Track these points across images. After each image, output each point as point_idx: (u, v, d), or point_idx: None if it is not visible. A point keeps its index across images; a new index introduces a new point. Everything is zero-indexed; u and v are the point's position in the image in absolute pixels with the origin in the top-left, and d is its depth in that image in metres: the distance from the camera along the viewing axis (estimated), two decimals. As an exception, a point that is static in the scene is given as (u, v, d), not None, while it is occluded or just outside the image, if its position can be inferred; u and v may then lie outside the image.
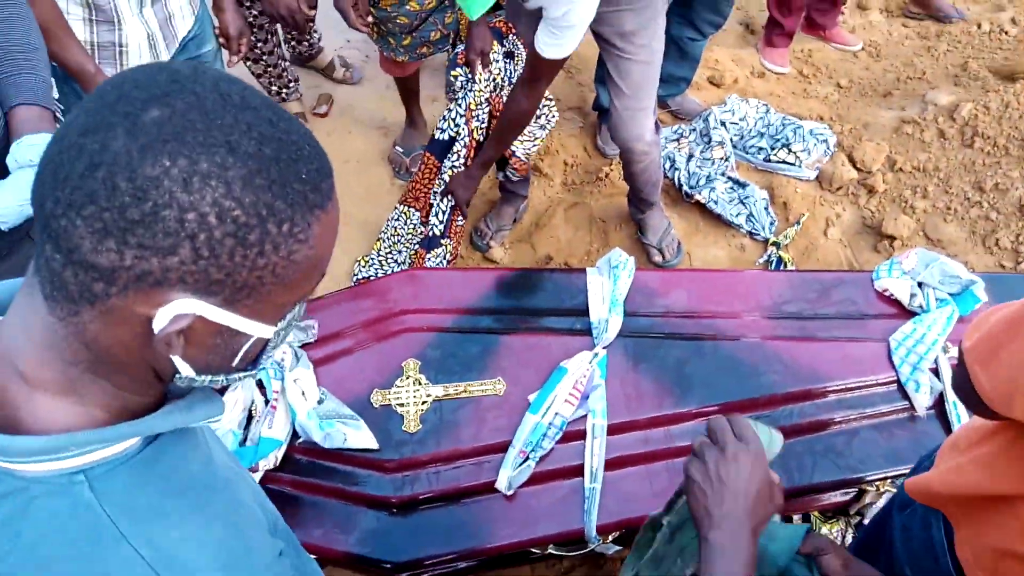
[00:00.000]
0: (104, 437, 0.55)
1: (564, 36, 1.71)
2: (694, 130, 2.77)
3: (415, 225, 2.33)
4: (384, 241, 2.44)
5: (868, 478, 1.41)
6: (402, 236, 2.38)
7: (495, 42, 2.04)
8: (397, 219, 2.39)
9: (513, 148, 2.16)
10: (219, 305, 0.53)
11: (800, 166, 2.66)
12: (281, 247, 0.52)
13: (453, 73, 2.13)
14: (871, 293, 1.62)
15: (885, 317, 1.58)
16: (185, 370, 0.57)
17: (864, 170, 2.67)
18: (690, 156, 2.67)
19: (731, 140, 2.73)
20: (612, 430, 1.40)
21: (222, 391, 1.41)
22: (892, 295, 1.60)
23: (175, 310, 0.51)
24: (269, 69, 2.68)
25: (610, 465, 1.37)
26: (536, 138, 2.16)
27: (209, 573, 0.55)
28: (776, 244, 2.47)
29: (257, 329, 0.56)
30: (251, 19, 2.48)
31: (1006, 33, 3.30)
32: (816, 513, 1.69)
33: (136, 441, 0.57)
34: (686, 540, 0.96)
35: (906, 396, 1.47)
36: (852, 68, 3.23)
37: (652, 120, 2.14)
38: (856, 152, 2.69)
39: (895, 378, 1.49)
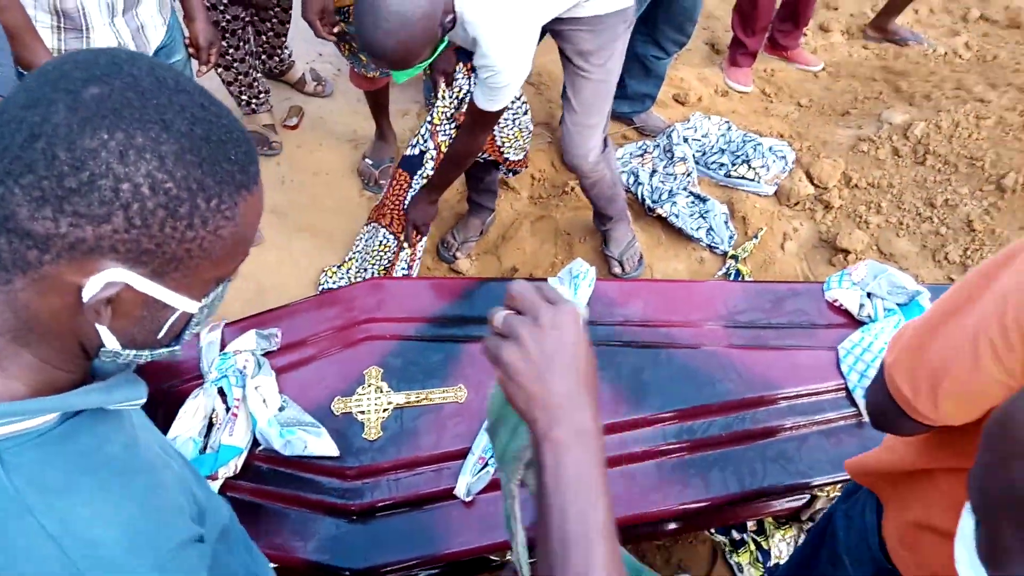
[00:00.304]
0: (17, 410, 0.56)
1: (496, 93, 1.76)
2: (658, 146, 2.83)
3: (382, 241, 2.33)
4: (356, 260, 2.44)
5: (816, 483, 1.45)
6: (372, 254, 2.39)
7: (459, 62, 2.07)
8: (370, 239, 2.39)
9: (506, 155, 2.19)
10: (148, 276, 0.55)
11: (759, 182, 2.73)
12: (209, 222, 0.55)
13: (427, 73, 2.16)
14: (822, 303, 1.67)
15: (835, 327, 1.63)
16: (110, 342, 0.58)
17: (821, 186, 2.75)
18: (653, 171, 2.73)
19: (693, 156, 2.79)
20: (570, 437, 1.43)
21: (178, 399, 1.42)
22: (842, 305, 1.65)
23: (105, 279, 0.54)
24: (240, 77, 2.66)
25: (567, 471, 1.40)
26: (520, 135, 2.18)
27: (114, 550, 0.56)
28: (735, 257, 2.53)
29: (182, 303, 0.59)
30: (224, 23, 2.46)
31: (960, 57, 3.43)
32: (770, 519, 1.73)
33: (53, 417, 0.58)
34: (495, 451, 0.75)
35: (854, 403, 1.52)
36: (812, 88, 3.33)
37: (599, 139, 2.16)
38: (814, 168, 2.77)
39: (844, 385, 1.54)
